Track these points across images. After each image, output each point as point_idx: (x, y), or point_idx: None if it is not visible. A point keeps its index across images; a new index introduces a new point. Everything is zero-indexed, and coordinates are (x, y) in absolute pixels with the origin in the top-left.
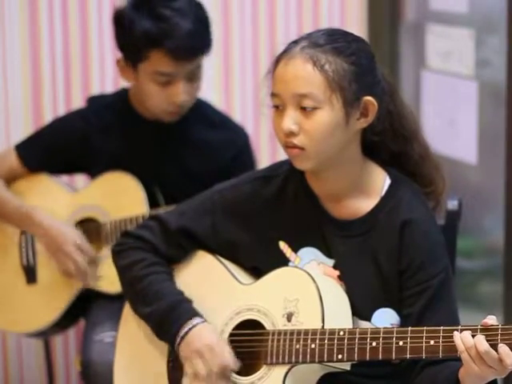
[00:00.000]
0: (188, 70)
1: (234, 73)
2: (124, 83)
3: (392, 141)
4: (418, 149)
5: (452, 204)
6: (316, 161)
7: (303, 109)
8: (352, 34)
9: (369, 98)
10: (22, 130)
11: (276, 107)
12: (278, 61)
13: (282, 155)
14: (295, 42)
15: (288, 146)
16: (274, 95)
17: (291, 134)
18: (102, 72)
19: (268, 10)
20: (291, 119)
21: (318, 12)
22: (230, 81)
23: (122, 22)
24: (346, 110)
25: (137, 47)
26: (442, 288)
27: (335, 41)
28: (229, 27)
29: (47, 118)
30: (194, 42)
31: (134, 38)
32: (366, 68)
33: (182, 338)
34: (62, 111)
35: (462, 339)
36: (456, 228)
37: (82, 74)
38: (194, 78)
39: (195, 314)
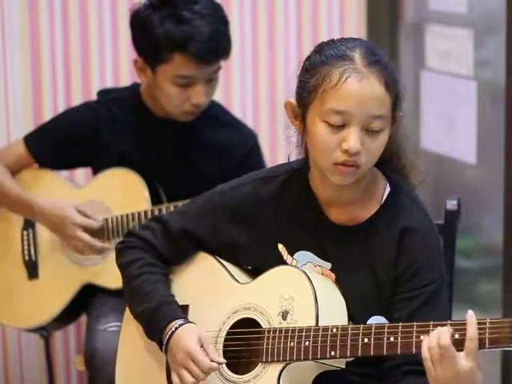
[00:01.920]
0: (209, 73)
1: (233, 73)
2: (125, 81)
3: None
4: (398, 141)
5: (451, 204)
6: (362, 175)
7: (367, 129)
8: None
9: (401, 114)
10: (22, 130)
11: (328, 123)
12: (342, 75)
13: (281, 155)
14: (347, 56)
15: (345, 165)
16: (338, 113)
17: (357, 153)
18: (102, 71)
19: (267, 10)
20: (359, 139)
21: (317, 12)
22: (230, 81)
23: (141, 24)
24: (391, 126)
25: (159, 49)
26: (435, 296)
27: (383, 56)
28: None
29: (47, 116)
30: (215, 44)
31: (155, 41)
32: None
33: (166, 346)
34: (62, 110)
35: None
36: (455, 227)
37: (82, 74)
38: (213, 79)
39: (175, 316)
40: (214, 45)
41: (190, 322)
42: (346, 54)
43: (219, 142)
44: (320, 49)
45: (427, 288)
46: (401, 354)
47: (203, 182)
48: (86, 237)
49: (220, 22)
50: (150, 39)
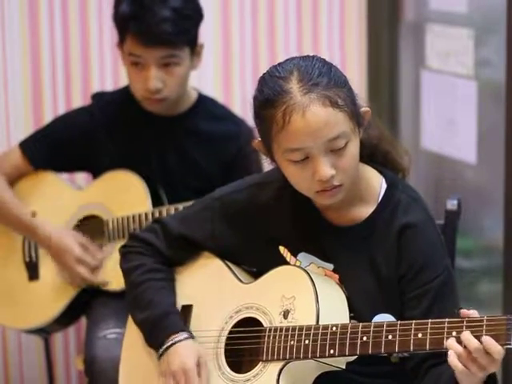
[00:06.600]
0: (158, 57)
1: (234, 72)
2: (125, 83)
3: None
4: (372, 132)
5: (451, 203)
6: (348, 188)
7: (331, 150)
8: (317, 57)
9: (364, 109)
10: (23, 131)
11: (292, 160)
12: (285, 116)
13: None
14: (284, 91)
15: (326, 190)
16: (295, 150)
17: (331, 177)
18: (102, 72)
19: (268, 10)
20: (327, 164)
21: (317, 12)
22: (230, 79)
23: (114, 5)
24: (358, 130)
25: (118, 28)
26: (444, 288)
27: (322, 74)
28: (229, 27)
29: (47, 118)
30: (162, 29)
31: (116, 20)
32: (348, 83)
33: (162, 353)
34: (62, 111)
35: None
36: (455, 227)
37: (82, 74)
38: (168, 66)
39: (179, 328)
40: (159, 29)
41: (193, 337)
42: (282, 88)
43: (214, 134)
44: (260, 86)
45: (434, 282)
46: (418, 354)
47: (203, 176)
48: (85, 273)
49: (180, 11)
50: (114, 19)
